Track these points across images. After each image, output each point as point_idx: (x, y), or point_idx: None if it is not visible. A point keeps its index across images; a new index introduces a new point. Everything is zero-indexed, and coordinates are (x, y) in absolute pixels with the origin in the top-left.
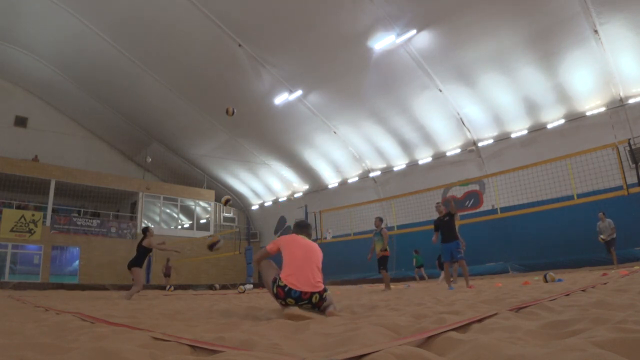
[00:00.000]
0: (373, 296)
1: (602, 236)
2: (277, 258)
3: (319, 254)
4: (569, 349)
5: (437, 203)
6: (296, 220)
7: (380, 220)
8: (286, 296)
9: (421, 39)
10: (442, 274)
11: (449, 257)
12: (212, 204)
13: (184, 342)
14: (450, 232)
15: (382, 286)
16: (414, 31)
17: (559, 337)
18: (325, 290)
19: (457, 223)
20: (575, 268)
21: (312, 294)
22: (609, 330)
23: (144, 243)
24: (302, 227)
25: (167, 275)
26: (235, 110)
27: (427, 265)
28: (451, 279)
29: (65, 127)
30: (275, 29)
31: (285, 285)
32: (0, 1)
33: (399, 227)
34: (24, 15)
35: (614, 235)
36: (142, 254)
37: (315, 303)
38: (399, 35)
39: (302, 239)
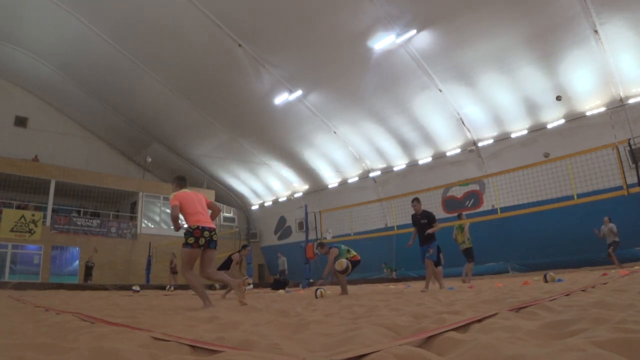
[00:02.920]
0: (373, 296)
1: (600, 234)
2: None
3: (203, 200)
4: (569, 349)
5: (414, 199)
6: (177, 175)
7: (321, 246)
8: (201, 232)
9: (421, 39)
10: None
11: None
12: None
13: (184, 342)
14: (425, 235)
15: (380, 286)
16: (414, 31)
17: (559, 337)
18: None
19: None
20: (575, 268)
21: (213, 228)
22: (609, 330)
23: (234, 256)
24: (184, 180)
25: (174, 272)
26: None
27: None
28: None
29: (65, 127)
30: (275, 29)
31: (198, 226)
32: (0, 1)
33: (399, 227)
34: (25, 15)
35: (616, 239)
36: (227, 262)
37: (213, 233)
38: (399, 35)
39: (191, 193)
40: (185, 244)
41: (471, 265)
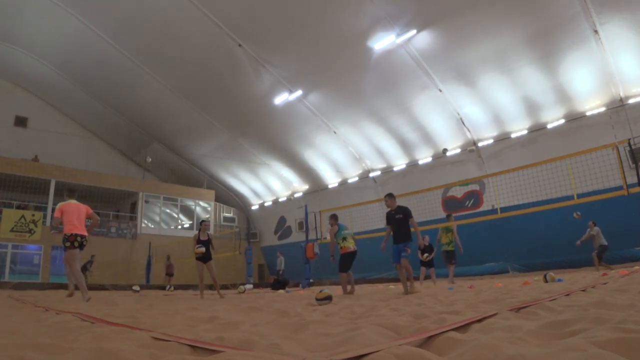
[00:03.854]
0: (373, 296)
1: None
2: None
3: (83, 211)
4: (569, 349)
5: (386, 195)
6: (68, 188)
7: (331, 217)
8: (75, 238)
9: (421, 39)
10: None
11: (399, 260)
12: (212, 204)
13: (184, 342)
14: (401, 232)
15: (380, 286)
16: (414, 31)
17: (559, 337)
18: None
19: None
20: (575, 268)
21: (84, 235)
22: (609, 330)
23: (195, 237)
24: (73, 193)
25: (168, 274)
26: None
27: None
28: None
29: (65, 127)
30: (275, 29)
31: (72, 233)
32: (0, 2)
33: None
34: (24, 15)
35: (603, 243)
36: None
37: (84, 240)
38: (399, 35)
39: (74, 205)
40: (66, 248)
41: (452, 268)
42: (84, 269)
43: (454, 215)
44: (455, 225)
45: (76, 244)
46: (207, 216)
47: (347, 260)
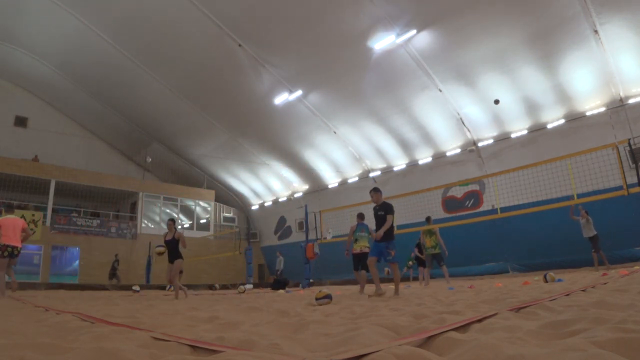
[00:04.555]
0: (373, 296)
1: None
2: None
3: (19, 225)
4: (569, 349)
5: (371, 190)
6: (8, 203)
7: (359, 217)
8: (6, 248)
9: (421, 39)
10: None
11: (377, 254)
12: (212, 204)
13: (184, 342)
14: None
15: (380, 286)
16: (414, 31)
17: (559, 337)
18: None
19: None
20: (575, 268)
21: (16, 246)
22: (609, 330)
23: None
24: (11, 208)
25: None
26: None
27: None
28: (423, 281)
29: (65, 127)
30: (275, 29)
31: (4, 244)
32: (0, 2)
33: (399, 227)
34: (25, 15)
35: (592, 233)
36: (172, 247)
37: (16, 250)
38: (399, 35)
39: (10, 219)
40: None
41: (444, 269)
42: (114, 268)
43: (442, 216)
44: (437, 227)
45: (6, 254)
46: (207, 215)
47: (353, 261)
